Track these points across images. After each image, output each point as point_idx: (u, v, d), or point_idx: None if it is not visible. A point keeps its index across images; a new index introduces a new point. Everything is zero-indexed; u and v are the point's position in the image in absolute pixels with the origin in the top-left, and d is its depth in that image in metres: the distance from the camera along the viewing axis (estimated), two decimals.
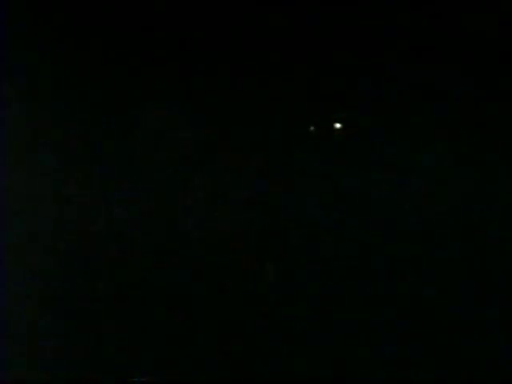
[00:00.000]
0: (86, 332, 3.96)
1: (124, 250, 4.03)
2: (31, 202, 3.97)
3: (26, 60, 4.01)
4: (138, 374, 3.93)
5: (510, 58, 4.00)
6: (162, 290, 4.02)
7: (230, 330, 3.99)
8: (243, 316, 4.00)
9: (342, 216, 4.05)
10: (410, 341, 3.91)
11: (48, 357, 3.92)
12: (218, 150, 4.09)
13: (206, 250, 4.05)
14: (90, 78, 4.07)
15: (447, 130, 4.05)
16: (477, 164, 4.02)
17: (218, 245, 4.04)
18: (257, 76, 4.08)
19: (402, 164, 4.05)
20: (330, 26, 4.04)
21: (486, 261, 3.96)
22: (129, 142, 4.11)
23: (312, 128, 4.08)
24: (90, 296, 4.00)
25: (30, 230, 3.97)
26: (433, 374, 3.87)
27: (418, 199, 4.02)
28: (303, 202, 4.06)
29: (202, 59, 4.08)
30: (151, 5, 4.06)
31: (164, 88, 4.11)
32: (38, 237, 3.98)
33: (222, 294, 4.01)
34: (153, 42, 4.08)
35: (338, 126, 4.09)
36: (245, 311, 4.00)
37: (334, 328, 3.96)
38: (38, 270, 3.97)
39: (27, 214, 3.97)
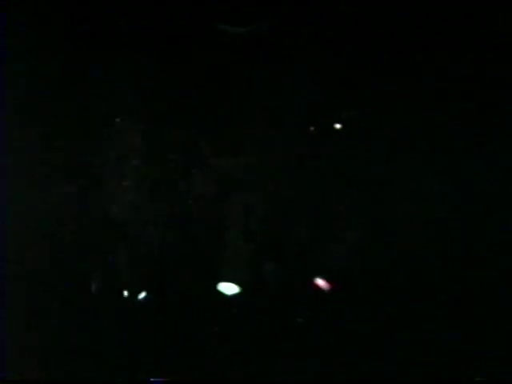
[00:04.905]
0: (85, 332, 3.99)
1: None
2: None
3: None
4: (139, 373, 3.96)
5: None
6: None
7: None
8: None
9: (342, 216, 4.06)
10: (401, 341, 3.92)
11: (47, 357, 3.96)
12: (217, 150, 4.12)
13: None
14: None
15: (448, 129, 4.04)
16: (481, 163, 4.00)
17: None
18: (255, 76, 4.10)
19: (404, 165, 4.05)
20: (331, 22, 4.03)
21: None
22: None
23: (312, 128, 4.09)
24: (89, 295, 4.04)
25: (29, 228, 4.01)
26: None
27: (419, 200, 4.02)
28: (302, 202, 4.08)
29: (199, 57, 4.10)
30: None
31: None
32: (37, 236, 4.02)
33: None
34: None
35: (338, 126, 4.09)
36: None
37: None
38: (37, 269, 4.01)
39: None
